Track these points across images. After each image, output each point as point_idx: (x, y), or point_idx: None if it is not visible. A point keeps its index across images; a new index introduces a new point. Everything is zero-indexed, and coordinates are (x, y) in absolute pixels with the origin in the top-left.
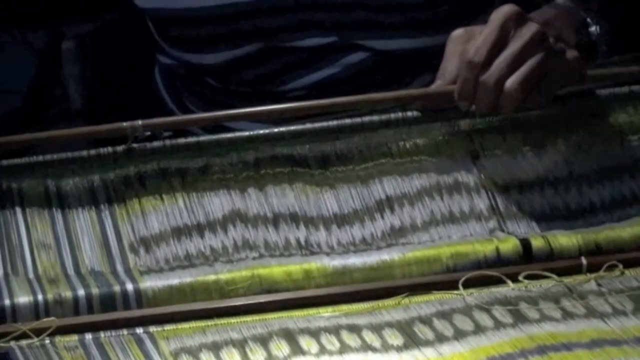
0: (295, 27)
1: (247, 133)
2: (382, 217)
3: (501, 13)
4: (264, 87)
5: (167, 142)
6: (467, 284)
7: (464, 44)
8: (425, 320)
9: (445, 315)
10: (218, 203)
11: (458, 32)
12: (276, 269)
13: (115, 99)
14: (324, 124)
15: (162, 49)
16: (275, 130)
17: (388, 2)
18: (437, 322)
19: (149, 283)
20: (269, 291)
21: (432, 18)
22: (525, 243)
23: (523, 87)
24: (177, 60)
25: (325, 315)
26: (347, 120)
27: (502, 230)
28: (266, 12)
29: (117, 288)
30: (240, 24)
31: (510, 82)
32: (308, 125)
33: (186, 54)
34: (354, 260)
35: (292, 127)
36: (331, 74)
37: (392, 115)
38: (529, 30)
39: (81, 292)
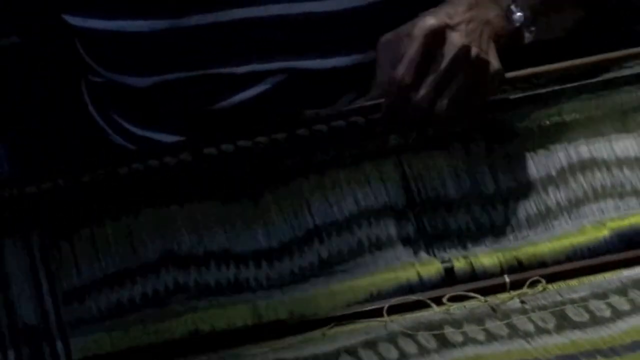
0: (225, 53)
1: None
2: (311, 249)
3: (423, 29)
4: (192, 108)
5: None
6: (392, 311)
7: (393, 54)
8: (351, 351)
9: (370, 345)
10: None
11: (386, 38)
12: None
13: (40, 115)
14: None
15: (91, 67)
16: None
17: (311, 21)
18: (362, 352)
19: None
20: (195, 332)
21: (358, 36)
22: (448, 265)
23: (454, 107)
24: (107, 79)
25: (252, 351)
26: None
27: (428, 253)
28: (197, 39)
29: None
30: (171, 50)
31: (441, 104)
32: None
33: (116, 74)
34: (281, 295)
35: None
36: (259, 92)
37: None
38: (453, 47)
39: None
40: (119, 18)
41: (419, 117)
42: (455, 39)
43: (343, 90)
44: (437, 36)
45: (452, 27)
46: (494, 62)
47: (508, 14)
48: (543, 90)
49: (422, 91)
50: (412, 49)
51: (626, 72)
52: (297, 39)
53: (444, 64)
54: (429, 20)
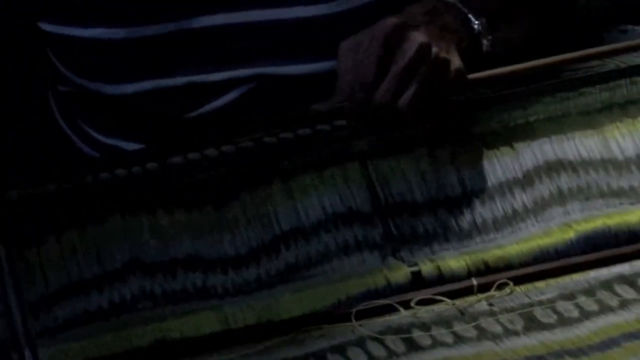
0: (200, 60)
1: None
2: (277, 255)
3: (383, 28)
4: (166, 116)
5: None
6: (360, 315)
7: (354, 58)
8: (319, 355)
9: (338, 349)
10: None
11: (347, 45)
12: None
13: (6, 124)
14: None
15: (62, 76)
16: None
17: (284, 28)
18: (330, 357)
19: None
20: (163, 340)
21: (331, 42)
22: (415, 269)
23: (415, 105)
24: (77, 88)
25: (220, 358)
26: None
27: (395, 257)
28: (172, 47)
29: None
30: (146, 58)
31: (402, 102)
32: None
33: (90, 82)
34: (248, 301)
35: None
36: (232, 99)
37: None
38: (413, 44)
39: None
40: (94, 26)
41: (382, 116)
42: (416, 37)
43: (316, 96)
44: (398, 34)
45: (412, 27)
46: (455, 60)
47: (466, 22)
48: (507, 92)
49: (383, 88)
50: (372, 48)
51: (590, 72)
52: (270, 45)
53: (404, 61)
54: (390, 20)
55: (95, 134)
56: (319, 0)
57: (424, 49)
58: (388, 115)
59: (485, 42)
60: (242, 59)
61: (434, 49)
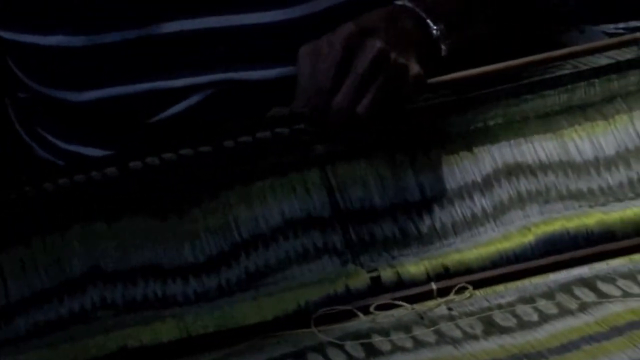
0: (163, 66)
1: None
2: (237, 262)
3: (342, 34)
4: (128, 122)
5: None
6: (320, 321)
7: (313, 64)
8: None
9: (298, 355)
10: None
11: (305, 51)
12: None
13: None
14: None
15: (21, 83)
16: None
17: (246, 33)
18: None
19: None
20: (123, 348)
21: (294, 48)
22: (374, 275)
23: (373, 111)
24: (36, 94)
25: None
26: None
27: (355, 263)
28: (134, 53)
29: None
30: (108, 64)
31: (361, 108)
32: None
33: (52, 89)
34: (208, 309)
35: None
36: (194, 104)
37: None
38: (371, 49)
39: None
40: (55, 33)
41: (341, 121)
42: (374, 43)
43: (277, 101)
44: (356, 40)
45: (370, 33)
46: (414, 66)
47: (425, 27)
48: (466, 96)
49: (342, 93)
50: (331, 54)
51: (549, 75)
52: (230, 51)
53: (362, 66)
54: (348, 26)
55: (55, 140)
56: (277, 6)
57: (382, 55)
58: (346, 121)
59: (444, 47)
60: (202, 65)
61: (392, 55)
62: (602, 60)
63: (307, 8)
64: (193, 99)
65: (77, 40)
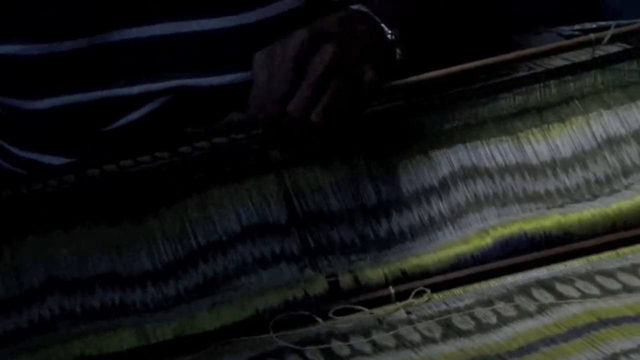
0: (118, 73)
1: None
2: (195, 269)
3: (296, 41)
4: (85, 130)
5: None
6: (279, 327)
7: (267, 71)
8: None
9: None
10: None
11: (260, 57)
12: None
13: None
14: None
15: None
16: None
17: (202, 39)
18: None
19: None
20: (81, 357)
21: (250, 53)
22: (333, 280)
23: (328, 118)
24: None
25: None
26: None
27: (313, 268)
28: (90, 61)
29: None
30: (64, 72)
31: (315, 114)
32: None
33: (7, 98)
34: (167, 316)
35: None
36: (150, 111)
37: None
38: (325, 55)
39: None
40: (9, 42)
41: (295, 127)
42: (328, 49)
43: (233, 108)
44: (310, 46)
45: (324, 38)
46: (368, 71)
47: (379, 32)
48: (421, 100)
49: (296, 100)
50: (285, 61)
51: (504, 77)
52: (185, 57)
53: (316, 72)
54: (303, 32)
55: (11, 148)
56: (231, 11)
57: (336, 60)
58: (301, 127)
59: (399, 51)
60: (157, 72)
61: (347, 61)
62: (558, 62)
63: (262, 14)
64: (149, 106)
65: (32, 49)
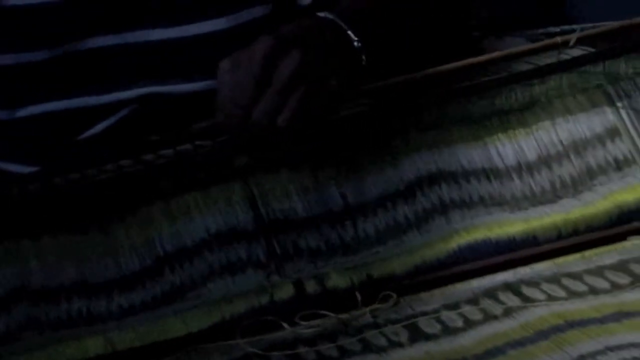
0: (88, 82)
1: None
2: (162, 277)
3: (261, 47)
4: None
5: None
6: (246, 333)
7: (233, 77)
8: None
9: None
10: None
11: (225, 64)
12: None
13: None
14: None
15: None
16: None
17: (170, 46)
18: None
19: None
20: None
21: (208, 61)
22: (299, 286)
23: (294, 122)
24: None
25: None
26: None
27: (280, 274)
28: (59, 70)
29: None
30: (29, 84)
31: (281, 119)
32: None
33: None
34: (134, 324)
35: None
36: (119, 119)
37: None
38: (291, 61)
39: None
40: None
41: (261, 133)
42: (294, 55)
43: (204, 114)
44: (276, 52)
45: (290, 45)
46: (334, 77)
47: (346, 38)
48: (387, 105)
49: (261, 105)
50: (251, 67)
51: (468, 82)
52: (157, 64)
53: (282, 78)
54: (268, 38)
55: None
56: (200, 18)
57: (302, 66)
58: (267, 133)
59: (364, 57)
60: (128, 80)
61: (313, 67)
62: (522, 66)
63: (231, 20)
64: (119, 114)
65: (3, 59)
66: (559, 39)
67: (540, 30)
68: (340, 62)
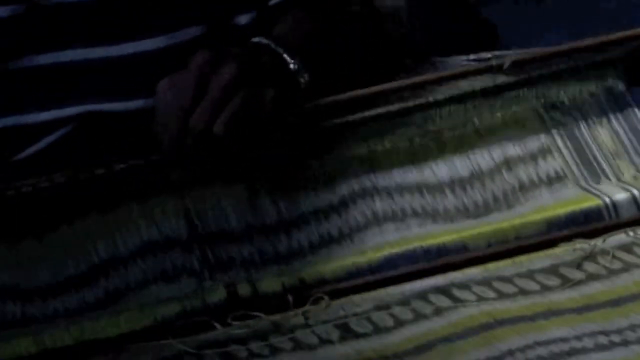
0: (26, 101)
1: None
2: (97, 283)
3: (197, 61)
4: None
5: None
6: (179, 334)
7: (171, 94)
8: None
9: None
10: None
11: (163, 83)
12: None
13: None
14: None
15: None
16: None
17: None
18: None
19: None
20: None
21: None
22: (232, 289)
23: (230, 129)
24: None
25: None
26: None
27: (213, 282)
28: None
29: None
30: None
31: (217, 125)
32: None
33: None
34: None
35: None
36: (58, 137)
37: None
38: (227, 73)
39: None
40: None
41: (197, 142)
42: (231, 66)
43: (143, 132)
44: (213, 64)
45: (227, 59)
46: (270, 90)
47: (281, 61)
48: (319, 123)
49: (197, 114)
50: (187, 81)
51: (403, 103)
52: (97, 82)
53: (218, 87)
54: (204, 52)
55: None
56: (141, 37)
57: (237, 78)
58: (203, 141)
59: (302, 79)
60: (66, 98)
61: (249, 78)
62: (455, 90)
63: (169, 39)
64: (59, 132)
65: None
66: (494, 62)
67: (471, 56)
68: (276, 83)
